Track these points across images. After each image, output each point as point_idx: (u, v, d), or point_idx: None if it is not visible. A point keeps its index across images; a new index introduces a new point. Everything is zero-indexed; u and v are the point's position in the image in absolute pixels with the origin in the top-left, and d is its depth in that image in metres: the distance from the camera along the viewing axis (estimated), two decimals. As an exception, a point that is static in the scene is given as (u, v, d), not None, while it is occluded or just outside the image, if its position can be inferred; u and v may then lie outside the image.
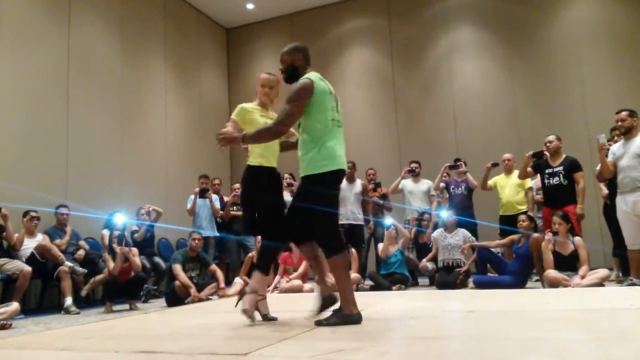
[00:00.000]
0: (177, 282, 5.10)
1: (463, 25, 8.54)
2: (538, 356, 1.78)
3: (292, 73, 2.88)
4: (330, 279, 2.83)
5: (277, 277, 5.79)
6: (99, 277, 5.34)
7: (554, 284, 4.64)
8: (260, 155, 3.01)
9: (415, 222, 6.47)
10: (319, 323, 2.70)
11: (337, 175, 2.76)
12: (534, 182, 6.09)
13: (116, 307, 5.04)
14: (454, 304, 3.72)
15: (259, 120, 3.01)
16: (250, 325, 2.83)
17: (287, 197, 6.07)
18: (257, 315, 2.95)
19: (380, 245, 6.07)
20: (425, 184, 6.75)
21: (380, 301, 3.95)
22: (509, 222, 5.78)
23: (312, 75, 2.78)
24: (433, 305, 3.59)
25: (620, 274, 5.32)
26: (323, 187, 2.70)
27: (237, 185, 6.51)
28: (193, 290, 5.09)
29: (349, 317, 2.68)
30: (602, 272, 4.68)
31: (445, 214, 5.98)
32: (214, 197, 6.95)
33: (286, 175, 6.47)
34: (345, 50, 9.35)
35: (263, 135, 2.82)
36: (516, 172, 5.87)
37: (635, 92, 7.09)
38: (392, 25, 9.02)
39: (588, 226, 5.67)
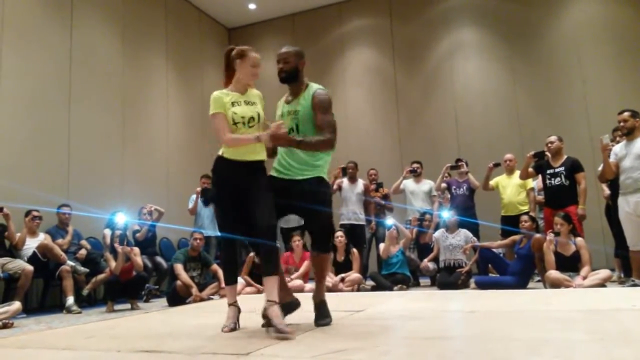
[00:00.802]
0: (178, 282, 5.11)
1: (465, 25, 8.53)
2: (541, 357, 1.77)
3: (293, 75, 2.83)
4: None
5: (279, 277, 5.78)
6: (101, 276, 5.36)
7: (556, 284, 4.63)
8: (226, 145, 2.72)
9: (416, 223, 6.46)
10: (318, 324, 2.70)
11: None
12: (536, 183, 6.08)
13: (118, 307, 5.05)
14: (455, 304, 3.72)
15: (229, 110, 2.72)
16: (251, 325, 2.83)
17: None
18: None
19: (382, 246, 6.07)
20: (426, 184, 6.74)
21: (381, 301, 3.95)
22: (510, 223, 5.77)
23: (323, 87, 2.86)
24: (434, 306, 3.59)
25: (622, 275, 5.31)
26: (330, 189, 2.94)
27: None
28: (194, 290, 5.09)
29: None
30: (604, 272, 4.67)
31: (447, 214, 5.97)
32: (216, 196, 6.94)
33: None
34: (347, 50, 9.34)
35: (321, 147, 2.71)
36: (518, 173, 5.85)
37: (638, 92, 7.06)
38: (393, 25, 9.01)
39: (590, 227, 5.65)
